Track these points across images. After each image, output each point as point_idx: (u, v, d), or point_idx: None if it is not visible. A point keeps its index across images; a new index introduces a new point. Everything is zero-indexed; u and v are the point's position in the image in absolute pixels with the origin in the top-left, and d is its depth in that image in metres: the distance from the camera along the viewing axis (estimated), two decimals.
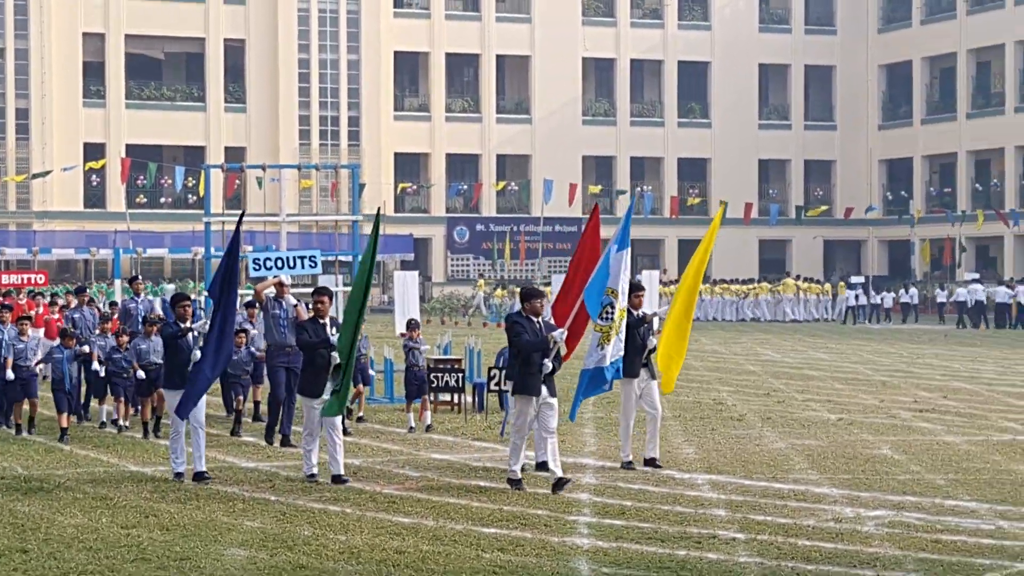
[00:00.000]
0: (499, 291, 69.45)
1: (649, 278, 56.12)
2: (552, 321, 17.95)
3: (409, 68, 78.36)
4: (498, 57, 78.68)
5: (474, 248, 77.14)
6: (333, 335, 17.64)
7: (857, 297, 67.18)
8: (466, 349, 27.76)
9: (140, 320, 24.36)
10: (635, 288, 18.46)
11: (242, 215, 19.66)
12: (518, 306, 18.25)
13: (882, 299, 68.36)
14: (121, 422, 22.53)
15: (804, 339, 51.16)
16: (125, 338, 22.99)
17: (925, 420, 23.89)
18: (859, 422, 23.59)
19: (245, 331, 22.86)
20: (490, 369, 23.20)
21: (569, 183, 74.26)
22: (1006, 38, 75.14)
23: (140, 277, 31.67)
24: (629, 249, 17.66)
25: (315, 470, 17.37)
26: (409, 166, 78.03)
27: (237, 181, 64.26)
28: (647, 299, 61.22)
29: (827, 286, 70.66)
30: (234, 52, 74.13)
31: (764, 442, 20.98)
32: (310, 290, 21.01)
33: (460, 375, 24.07)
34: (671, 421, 23.48)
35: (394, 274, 46.09)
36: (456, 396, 24.88)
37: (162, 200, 72.60)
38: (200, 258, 52.60)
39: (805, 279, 72.77)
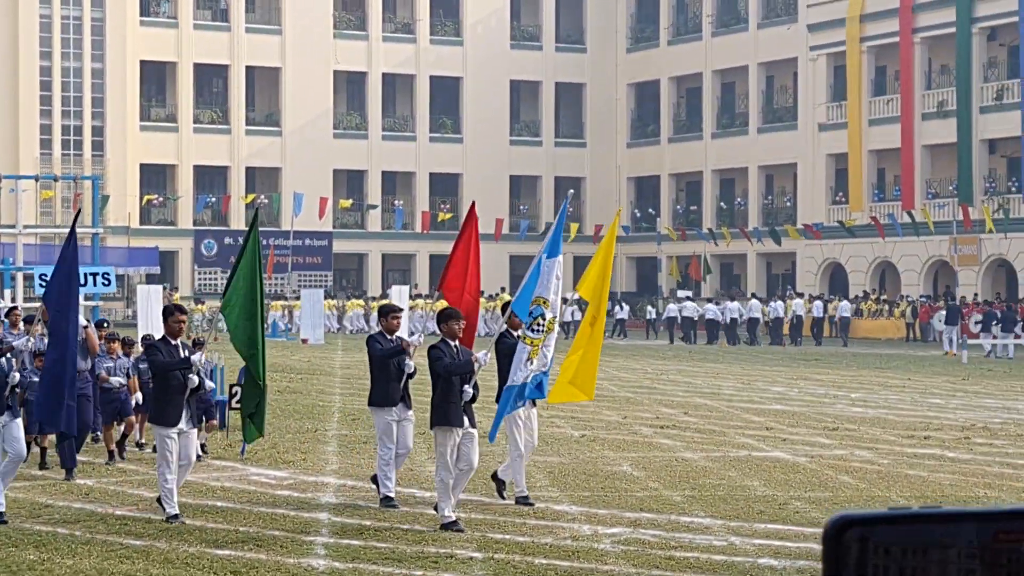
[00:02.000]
0: (199, 306, 68.82)
1: (399, 293, 56.21)
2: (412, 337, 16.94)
3: (156, 78, 77.13)
4: (248, 68, 77.91)
5: (222, 262, 76.06)
6: (192, 357, 15.92)
7: (573, 313, 68.13)
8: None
9: None
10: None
11: (76, 218, 18.27)
12: (376, 327, 17.49)
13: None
14: None
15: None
16: None
17: (666, 436, 24.22)
18: (601, 439, 23.81)
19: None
20: (231, 387, 22.79)
21: (319, 197, 73.92)
22: (749, 60, 76.99)
23: None
24: (561, 257, 16.73)
25: (176, 509, 15.64)
26: (156, 177, 76.75)
27: None
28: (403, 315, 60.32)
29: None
30: None
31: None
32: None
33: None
34: (415, 439, 23.36)
35: (138, 288, 45.18)
36: None
37: None
38: None
39: None
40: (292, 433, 24.20)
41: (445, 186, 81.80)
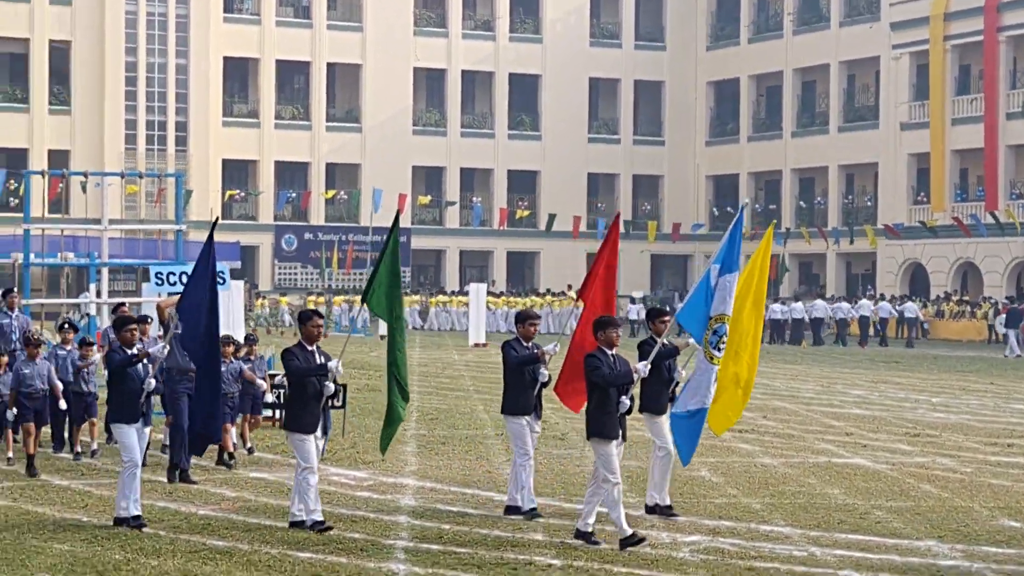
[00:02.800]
0: (337, 298, 69.34)
1: (476, 291, 56.35)
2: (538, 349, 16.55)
3: (239, 74, 77.64)
4: (329, 65, 78.31)
5: (302, 257, 76.65)
6: (329, 363, 15.66)
7: (639, 312, 67.71)
8: None
9: (16, 339, 22.39)
10: (659, 313, 16.85)
11: (214, 224, 17.63)
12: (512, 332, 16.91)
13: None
14: (10, 454, 20.36)
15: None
16: (4, 359, 20.57)
17: (744, 441, 24.10)
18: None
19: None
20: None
21: (399, 193, 74.15)
22: (831, 58, 76.51)
23: (16, 289, 27.10)
24: (738, 273, 15.62)
25: (320, 515, 15.44)
26: (237, 173, 77.29)
27: (60, 185, 63.06)
28: (475, 310, 60.40)
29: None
30: (59, 54, 72.84)
31: (584, 462, 20.99)
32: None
33: (282, 390, 23.62)
34: (493, 439, 23.49)
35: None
36: (278, 412, 24.29)
37: None
38: (20, 264, 51.33)
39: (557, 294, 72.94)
40: (372, 433, 24.19)
41: (523, 183, 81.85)
